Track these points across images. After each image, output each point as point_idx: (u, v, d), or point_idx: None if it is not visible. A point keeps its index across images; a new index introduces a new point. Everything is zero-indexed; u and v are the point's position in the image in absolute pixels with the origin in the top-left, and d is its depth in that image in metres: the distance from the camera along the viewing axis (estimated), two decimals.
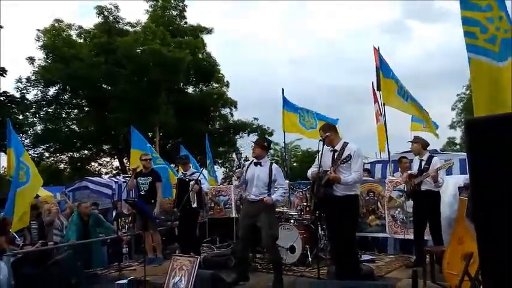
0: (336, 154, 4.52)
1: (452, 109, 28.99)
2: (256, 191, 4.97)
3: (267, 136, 24.91)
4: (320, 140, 4.64)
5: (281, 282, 4.78)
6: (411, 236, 5.99)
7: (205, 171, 8.96)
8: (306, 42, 60.87)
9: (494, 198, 1.88)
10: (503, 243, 1.82)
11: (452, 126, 27.96)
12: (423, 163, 5.52)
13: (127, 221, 8.11)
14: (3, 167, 21.33)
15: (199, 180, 6.39)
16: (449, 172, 7.00)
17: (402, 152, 8.94)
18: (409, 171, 5.85)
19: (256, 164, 5.09)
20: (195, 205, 6.31)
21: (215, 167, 12.78)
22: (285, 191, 5.01)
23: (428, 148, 5.89)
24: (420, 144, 5.68)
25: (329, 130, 4.64)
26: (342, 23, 64.39)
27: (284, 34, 59.31)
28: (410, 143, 5.80)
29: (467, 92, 25.14)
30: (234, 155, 24.28)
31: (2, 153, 17.52)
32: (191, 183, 6.26)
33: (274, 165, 5.12)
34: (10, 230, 6.02)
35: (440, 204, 5.60)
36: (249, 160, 5.98)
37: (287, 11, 62.05)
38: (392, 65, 7.60)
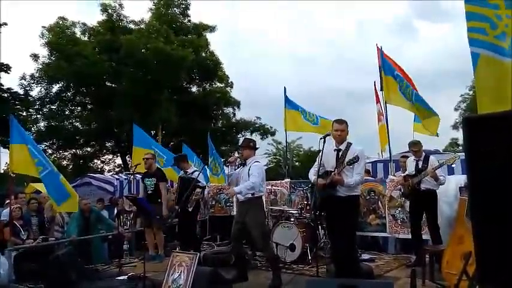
0: (340, 154, 4.52)
1: (456, 109, 28.82)
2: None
3: (269, 135, 25.03)
4: (321, 138, 4.63)
5: (279, 279, 4.80)
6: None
7: (207, 169, 8.95)
8: (311, 41, 60.78)
9: (491, 195, 1.88)
10: (499, 239, 1.82)
11: (455, 127, 27.78)
12: (420, 163, 5.60)
13: (129, 217, 8.13)
14: (6, 163, 21.40)
15: (204, 187, 6.47)
16: (450, 172, 7.00)
17: (403, 152, 8.93)
18: (403, 173, 5.93)
19: (243, 165, 5.14)
20: (190, 209, 6.34)
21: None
22: (251, 184, 4.82)
23: (430, 148, 5.95)
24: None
25: (347, 127, 4.61)
26: (348, 22, 64.27)
27: (288, 33, 59.29)
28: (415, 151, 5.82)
29: (471, 92, 24.99)
30: (236, 154, 24.26)
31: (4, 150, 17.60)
32: (197, 190, 6.29)
33: (255, 163, 5.09)
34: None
35: (441, 204, 5.65)
36: None
37: (292, 10, 62.00)
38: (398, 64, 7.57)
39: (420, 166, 5.58)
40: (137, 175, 7.48)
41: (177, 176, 7.31)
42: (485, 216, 1.87)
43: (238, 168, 5.20)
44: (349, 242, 4.50)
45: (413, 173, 5.65)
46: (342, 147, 4.54)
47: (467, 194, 3.66)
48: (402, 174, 5.96)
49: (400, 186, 6.13)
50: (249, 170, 4.97)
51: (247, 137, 20.59)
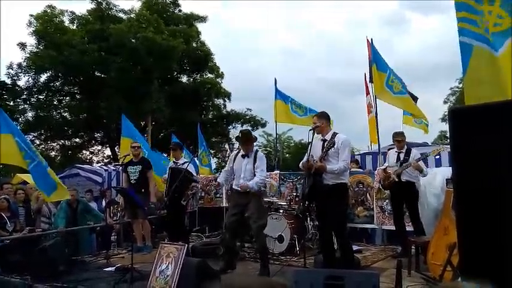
0: (326, 144, 4.54)
1: (445, 102, 29.01)
2: (244, 182, 5.01)
3: (259, 127, 25.04)
4: (310, 130, 4.65)
5: (267, 270, 4.82)
6: None
7: (196, 160, 8.93)
8: (303, 33, 60.54)
9: (475, 186, 1.89)
10: (482, 231, 1.84)
11: (443, 120, 27.95)
12: (402, 155, 5.68)
13: (119, 208, 8.07)
14: None
15: (195, 179, 6.52)
16: (438, 164, 7.07)
17: (393, 145, 8.99)
18: (383, 166, 6.00)
19: (243, 156, 5.14)
20: (184, 203, 6.36)
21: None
22: (261, 177, 5.00)
23: (418, 141, 6.01)
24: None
25: (323, 119, 4.68)
26: (340, 14, 64.09)
27: (280, 25, 59.06)
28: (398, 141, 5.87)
29: (460, 85, 25.18)
30: (226, 146, 24.32)
31: None
32: (193, 184, 6.34)
33: (259, 153, 5.19)
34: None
35: (428, 196, 5.72)
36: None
37: (285, 3, 61.67)
38: (388, 57, 7.65)
39: (402, 158, 5.68)
40: None
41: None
42: (469, 208, 1.88)
43: (235, 157, 5.21)
44: (339, 228, 4.56)
45: (394, 165, 5.73)
46: (327, 137, 4.60)
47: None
48: (382, 167, 6.04)
49: (380, 178, 6.20)
50: (255, 161, 5.02)
51: (242, 130, 20.47)
